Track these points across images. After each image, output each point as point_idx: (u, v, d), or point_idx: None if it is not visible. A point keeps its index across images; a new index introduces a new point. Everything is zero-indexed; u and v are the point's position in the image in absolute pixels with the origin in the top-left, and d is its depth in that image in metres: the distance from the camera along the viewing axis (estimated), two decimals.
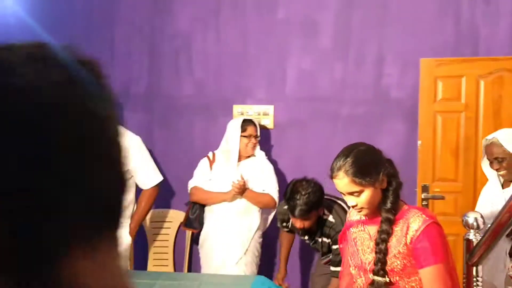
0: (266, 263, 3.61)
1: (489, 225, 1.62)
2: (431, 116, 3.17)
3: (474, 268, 1.71)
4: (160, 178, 3.01)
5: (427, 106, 3.17)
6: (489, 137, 2.48)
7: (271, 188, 3.09)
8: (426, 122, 3.17)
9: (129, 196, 3.10)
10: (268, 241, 3.48)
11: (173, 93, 3.68)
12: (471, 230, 1.71)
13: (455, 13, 3.28)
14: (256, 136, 3.15)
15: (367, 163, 1.65)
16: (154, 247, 3.63)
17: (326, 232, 2.66)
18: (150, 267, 3.58)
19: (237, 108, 3.60)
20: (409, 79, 3.35)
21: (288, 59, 3.53)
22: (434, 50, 3.29)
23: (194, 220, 3.17)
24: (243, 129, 3.12)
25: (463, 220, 1.76)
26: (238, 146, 3.12)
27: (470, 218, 1.72)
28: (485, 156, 2.54)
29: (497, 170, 2.45)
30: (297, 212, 2.57)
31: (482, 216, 1.75)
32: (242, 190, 2.97)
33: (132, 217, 2.94)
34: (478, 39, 3.26)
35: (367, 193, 1.63)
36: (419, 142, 3.19)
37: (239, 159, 3.14)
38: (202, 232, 3.16)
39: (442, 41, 3.30)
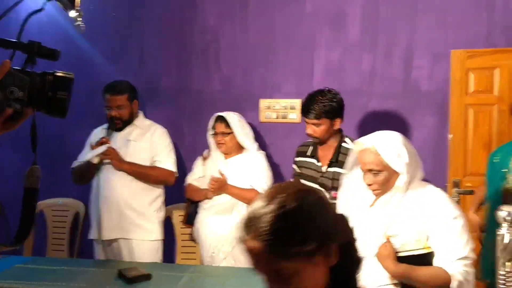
0: None
1: None
2: (463, 109, 3.10)
3: (508, 264, 1.66)
4: (175, 170, 3.14)
5: (459, 99, 3.10)
6: (363, 140, 1.96)
7: (259, 183, 2.99)
8: (457, 116, 3.10)
9: (158, 190, 3.15)
10: None
11: (202, 88, 3.71)
12: (504, 224, 1.67)
13: (488, 2, 3.19)
14: (225, 133, 3.03)
15: (300, 223, 0.95)
16: (182, 240, 3.67)
17: (343, 160, 2.55)
18: (179, 260, 3.62)
19: (264, 103, 3.60)
20: (439, 72, 3.28)
21: (316, 52, 3.51)
22: (466, 41, 3.21)
23: (192, 217, 3.17)
24: (213, 127, 3.10)
25: (496, 215, 1.71)
26: (212, 144, 3.12)
27: (503, 212, 1.67)
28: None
29: (369, 185, 1.92)
30: (309, 112, 2.59)
31: None
32: (219, 187, 2.92)
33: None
34: None
35: (299, 274, 0.95)
36: (450, 136, 3.12)
37: (229, 155, 3.10)
38: (194, 228, 3.15)
39: (474, 31, 3.22)
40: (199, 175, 3.18)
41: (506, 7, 3.17)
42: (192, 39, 3.70)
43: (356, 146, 1.98)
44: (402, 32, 3.36)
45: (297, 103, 3.54)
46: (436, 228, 1.81)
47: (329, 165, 2.69)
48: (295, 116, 3.55)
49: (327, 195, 2.63)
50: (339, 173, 2.58)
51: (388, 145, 1.88)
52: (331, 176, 2.67)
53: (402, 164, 1.86)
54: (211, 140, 3.15)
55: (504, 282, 1.66)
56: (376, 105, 3.43)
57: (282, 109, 3.57)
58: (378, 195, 1.94)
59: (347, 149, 2.62)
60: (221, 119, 3.08)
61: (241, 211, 3.01)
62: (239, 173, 3.03)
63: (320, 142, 2.71)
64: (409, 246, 1.83)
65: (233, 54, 3.64)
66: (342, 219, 1.05)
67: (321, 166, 2.73)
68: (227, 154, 3.11)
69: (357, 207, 2.01)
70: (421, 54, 3.33)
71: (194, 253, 3.65)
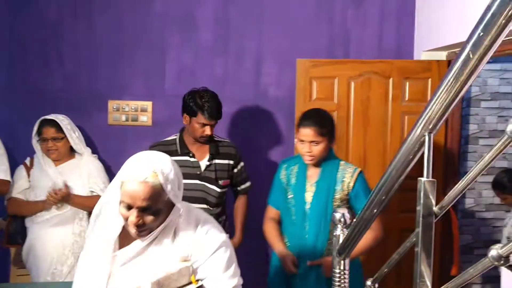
0: None
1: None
2: None
3: (342, 262, 1.77)
4: (8, 178, 2.84)
5: (303, 105, 3.27)
6: (135, 169, 1.48)
7: (101, 188, 2.90)
8: None
9: None
10: None
11: (41, 86, 3.38)
12: (339, 226, 1.77)
13: (329, 16, 3.44)
14: (57, 139, 2.85)
15: None
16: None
17: (224, 151, 2.79)
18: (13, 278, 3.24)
19: (112, 104, 3.41)
20: (286, 79, 3.43)
21: (167, 54, 3.43)
22: (310, 51, 3.41)
23: (17, 235, 2.86)
24: (39, 132, 2.88)
25: (331, 216, 1.82)
26: (39, 151, 2.90)
27: (338, 214, 1.78)
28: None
29: (138, 226, 1.50)
30: (213, 110, 2.65)
31: (349, 212, 1.82)
32: (63, 199, 2.71)
33: None
34: (349, 42, 3.45)
35: None
36: (295, 140, 3.28)
37: (60, 162, 2.91)
38: (25, 246, 2.86)
39: (317, 42, 3.44)
40: (24, 187, 2.88)
41: (343, 21, 3.45)
42: (29, 32, 3.35)
43: (127, 178, 1.46)
44: (251, 38, 3.44)
45: (149, 105, 3.43)
46: (201, 256, 1.58)
47: (210, 158, 2.75)
48: (146, 119, 3.42)
49: (214, 187, 2.73)
50: (223, 164, 2.78)
51: (166, 172, 1.47)
52: (214, 168, 2.75)
53: (180, 193, 1.55)
54: (37, 147, 2.89)
55: (339, 280, 1.77)
56: (228, 109, 3.46)
57: (132, 111, 3.42)
58: (146, 236, 1.52)
59: (224, 141, 2.86)
60: (50, 123, 2.85)
61: (83, 218, 2.83)
62: (74, 179, 2.85)
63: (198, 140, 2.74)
64: (174, 285, 1.54)
65: (77, 51, 3.38)
66: None
67: (198, 161, 2.74)
68: (57, 160, 2.87)
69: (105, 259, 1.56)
70: (269, 61, 3.45)
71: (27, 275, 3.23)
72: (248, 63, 3.45)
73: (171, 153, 2.72)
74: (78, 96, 3.40)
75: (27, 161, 2.96)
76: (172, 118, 3.44)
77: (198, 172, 2.74)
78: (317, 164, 2.43)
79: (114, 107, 3.41)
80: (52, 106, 3.37)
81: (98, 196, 2.83)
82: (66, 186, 2.74)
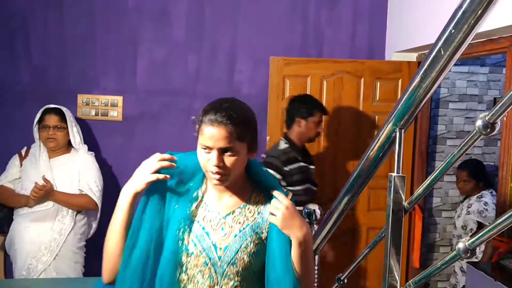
0: None
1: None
2: (280, 112, 3.29)
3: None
4: None
5: (276, 103, 3.28)
6: None
7: (91, 187, 2.80)
8: (274, 118, 3.28)
9: None
10: None
11: (7, 79, 3.28)
12: (310, 221, 1.78)
13: (303, 15, 3.45)
14: (59, 127, 2.79)
15: None
16: None
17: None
18: None
19: (82, 98, 3.34)
20: (260, 77, 3.43)
21: (140, 49, 3.38)
22: (284, 49, 3.42)
23: (4, 223, 2.82)
24: (41, 119, 2.80)
25: (303, 212, 1.83)
26: (37, 140, 2.83)
27: (309, 210, 1.79)
28: None
29: None
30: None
31: (320, 208, 1.84)
32: (44, 195, 2.62)
33: None
34: (323, 42, 3.47)
35: None
36: (267, 138, 3.29)
37: (55, 154, 2.84)
38: (8, 236, 2.80)
39: (291, 41, 3.45)
40: (15, 177, 2.81)
41: (317, 21, 3.47)
42: None
43: None
44: (225, 36, 3.43)
45: (119, 100, 3.37)
46: None
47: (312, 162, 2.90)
48: (116, 114, 3.36)
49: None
50: None
51: None
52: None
53: None
54: (36, 135, 2.82)
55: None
56: (200, 106, 3.41)
57: (103, 106, 3.36)
58: None
59: None
60: (55, 111, 2.80)
61: (66, 216, 2.75)
62: (64, 175, 2.76)
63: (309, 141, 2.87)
64: None
65: (46, 43, 3.30)
66: None
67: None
68: (53, 151, 2.81)
69: None
70: (243, 59, 3.44)
71: None
72: (222, 60, 3.44)
73: (293, 160, 2.74)
74: (46, 89, 3.31)
75: (23, 150, 2.89)
76: (143, 113, 3.40)
77: (310, 177, 2.87)
78: (232, 187, 1.38)
79: (84, 101, 3.34)
80: (18, 100, 3.29)
81: (85, 196, 2.75)
82: (47, 181, 2.62)
